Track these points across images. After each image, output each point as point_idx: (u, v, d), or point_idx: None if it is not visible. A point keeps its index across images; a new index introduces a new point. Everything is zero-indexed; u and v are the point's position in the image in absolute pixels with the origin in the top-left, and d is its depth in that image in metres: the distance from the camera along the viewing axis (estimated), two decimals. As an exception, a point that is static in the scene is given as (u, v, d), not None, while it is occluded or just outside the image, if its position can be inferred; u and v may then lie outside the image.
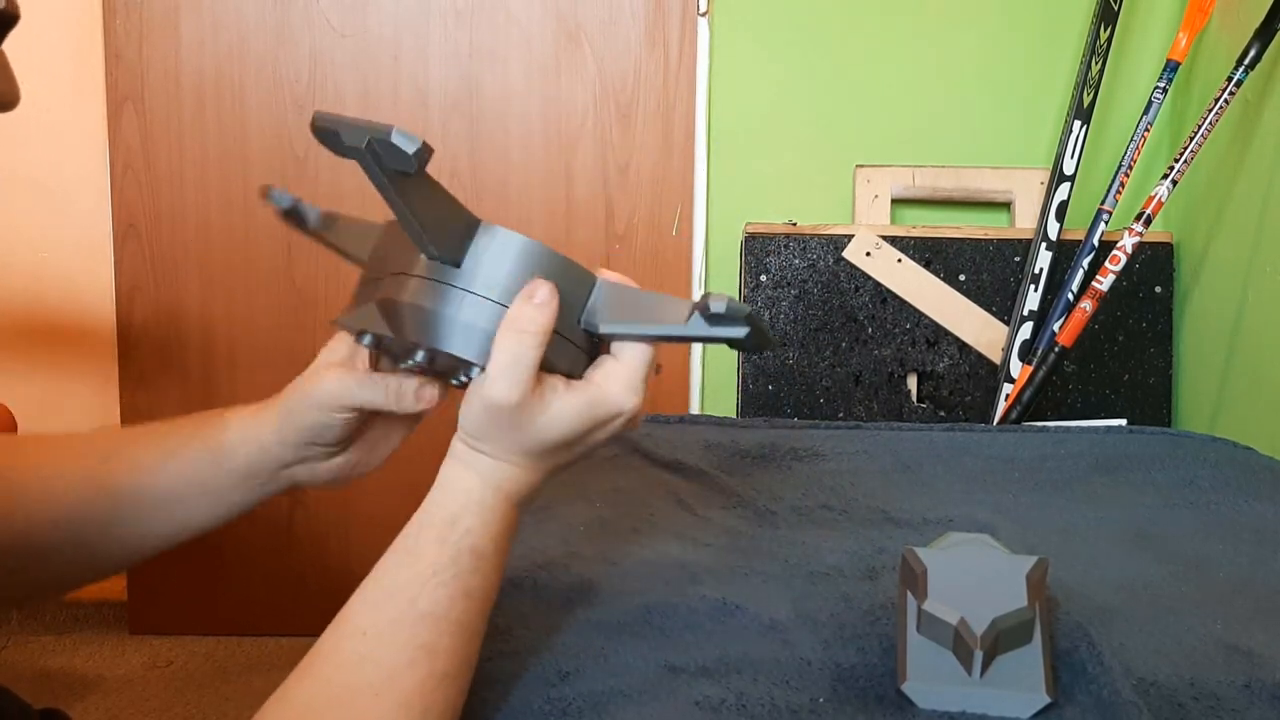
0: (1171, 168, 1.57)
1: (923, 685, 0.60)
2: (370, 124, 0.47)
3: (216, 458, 0.65)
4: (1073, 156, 1.74)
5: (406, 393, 0.62)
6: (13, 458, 0.65)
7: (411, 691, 0.51)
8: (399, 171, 0.49)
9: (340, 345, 0.64)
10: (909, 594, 0.64)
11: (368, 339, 0.58)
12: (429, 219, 0.52)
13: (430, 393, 0.62)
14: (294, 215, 0.63)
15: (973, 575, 0.63)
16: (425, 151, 0.48)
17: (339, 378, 0.62)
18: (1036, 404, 1.67)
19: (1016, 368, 1.73)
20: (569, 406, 0.54)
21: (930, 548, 0.67)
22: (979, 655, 0.59)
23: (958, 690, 0.60)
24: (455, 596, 0.53)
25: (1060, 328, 1.65)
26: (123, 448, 0.66)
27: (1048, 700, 0.59)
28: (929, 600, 0.61)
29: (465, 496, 0.55)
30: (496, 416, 0.53)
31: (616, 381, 0.54)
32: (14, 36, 0.52)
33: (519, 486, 0.56)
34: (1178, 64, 1.68)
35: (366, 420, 0.66)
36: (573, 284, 0.54)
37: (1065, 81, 1.84)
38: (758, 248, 1.78)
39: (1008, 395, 1.71)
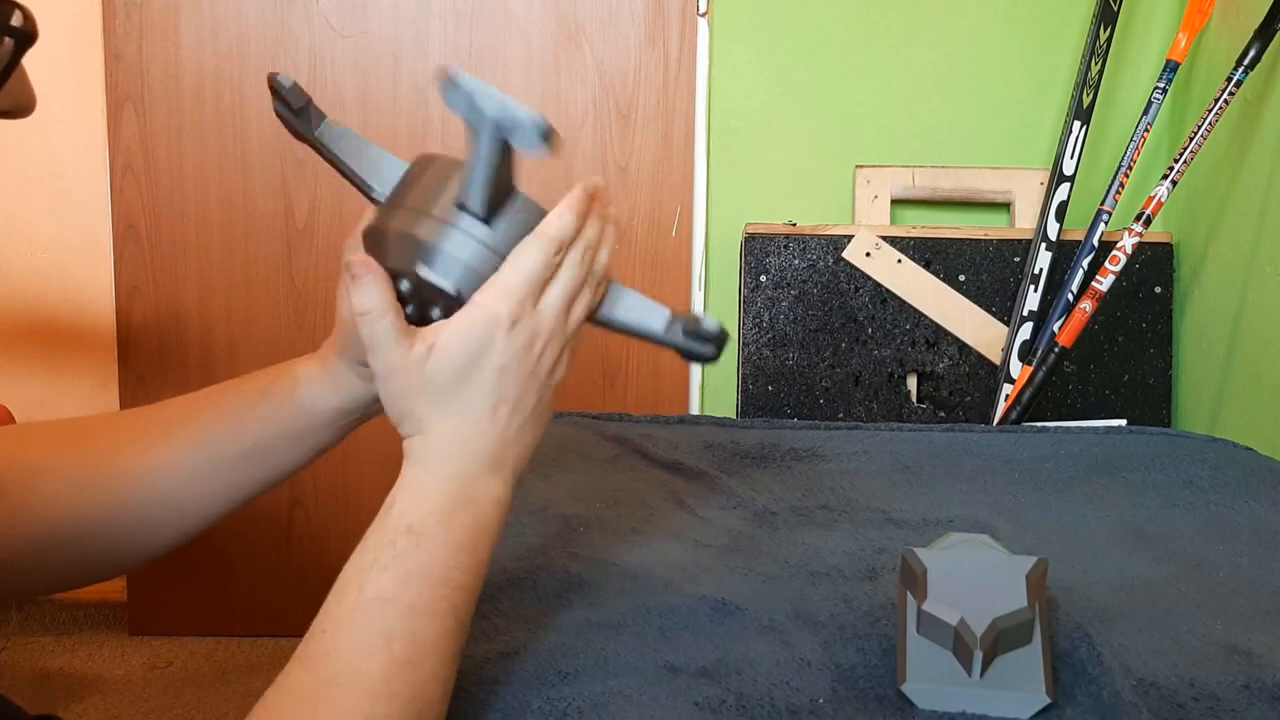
0: (1171, 168, 1.57)
1: (923, 686, 0.60)
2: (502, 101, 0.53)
3: (300, 411, 0.67)
4: (1072, 157, 1.74)
5: None
6: (24, 450, 0.65)
7: (374, 680, 0.51)
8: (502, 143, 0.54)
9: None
10: (909, 594, 0.64)
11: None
12: (496, 184, 0.56)
13: None
14: (299, 114, 0.61)
15: (972, 576, 0.63)
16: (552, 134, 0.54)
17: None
18: (1036, 404, 1.67)
19: (1016, 368, 1.73)
20: (446, 333, 0.55)
21: (930, 548, 0.67)
22: (979, 656, 0.59)
23: (957, 691, 0.59)
24: (401, 579, 0.53)
25: (1060, 328, 1.65)
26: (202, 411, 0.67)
27: (1048, 701, 0.59)
28: (929, 601, 0.61)
29: (400, 482, 0.56)
30: (396, 372, 0.56)
31: (485, 291, 0.55)
32: (13, 36, 0.52)
33: (445, 450, 0.56)
34: (1177, 64, 1.68)
35: None
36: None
37: (1065, 82, 1.84)
38: (757, 248, 1.78)
39: (1007, 396, 1.71)
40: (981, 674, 0.59)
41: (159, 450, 0.66)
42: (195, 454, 0.66)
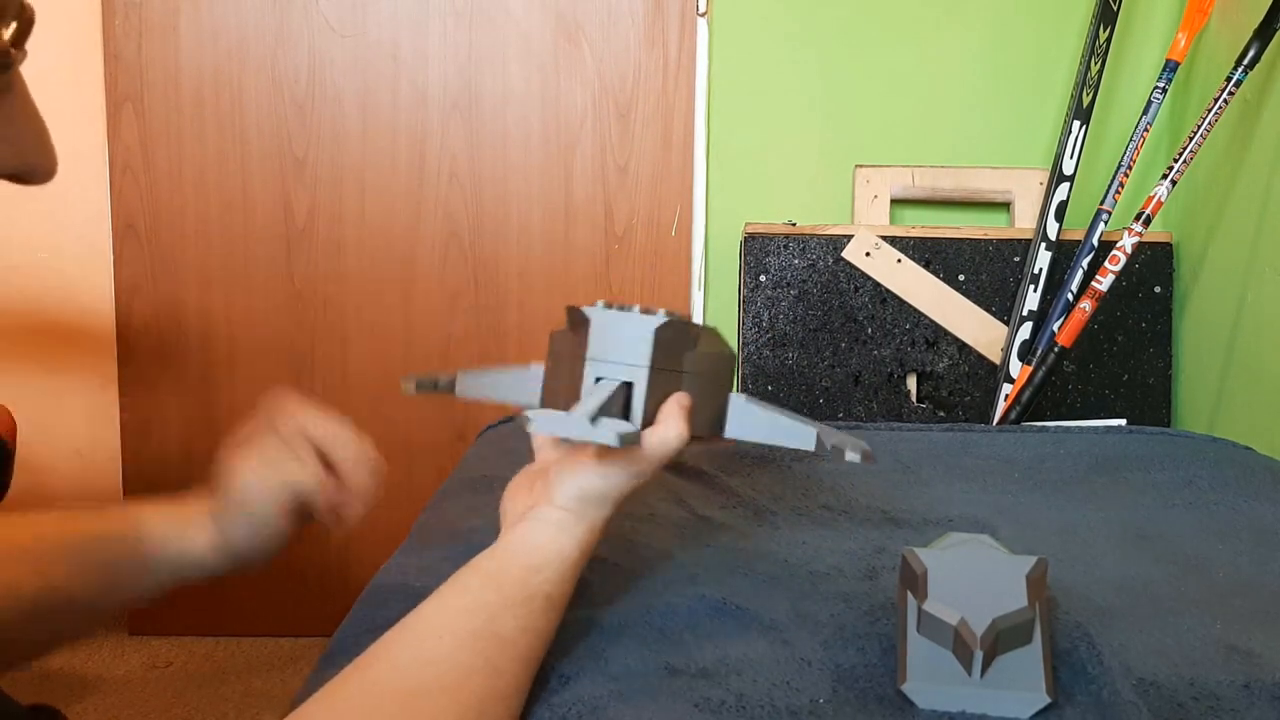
0: (1171, 168, 1.57)
1: (923, 685, 0.60)
2: None
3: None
4: (1072, 156, 1.74)
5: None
6: None
7: (473, 701, 0.54)
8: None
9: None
10: (909, 594, 0.64)
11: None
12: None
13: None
14: (438, 388, 0.75)
15: (973, 575, 0.63)
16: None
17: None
18: (1036, 404, 1.67)
19: (1016, 368, 1.73)
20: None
21: (930, 548, 0.67)
22: (979, 655, 0.58)
23: (958, 690, 0.59)
24: (524, 630, 0.59)
25: (1060, 328, 1.65)
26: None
27: (1048, 700, 0.59)
28: (929, 600, 0.61)
29: (556, 556, 0.62)
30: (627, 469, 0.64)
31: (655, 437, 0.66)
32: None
33: (590, 539, 0.64)
34: (1177, 64, 1.68)
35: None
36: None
37: (1065, 81, 1.84)
38: (757, 248, 1.78)
39: (1007, 395, 1.71)
40: (981, 674, 0.59)
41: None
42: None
